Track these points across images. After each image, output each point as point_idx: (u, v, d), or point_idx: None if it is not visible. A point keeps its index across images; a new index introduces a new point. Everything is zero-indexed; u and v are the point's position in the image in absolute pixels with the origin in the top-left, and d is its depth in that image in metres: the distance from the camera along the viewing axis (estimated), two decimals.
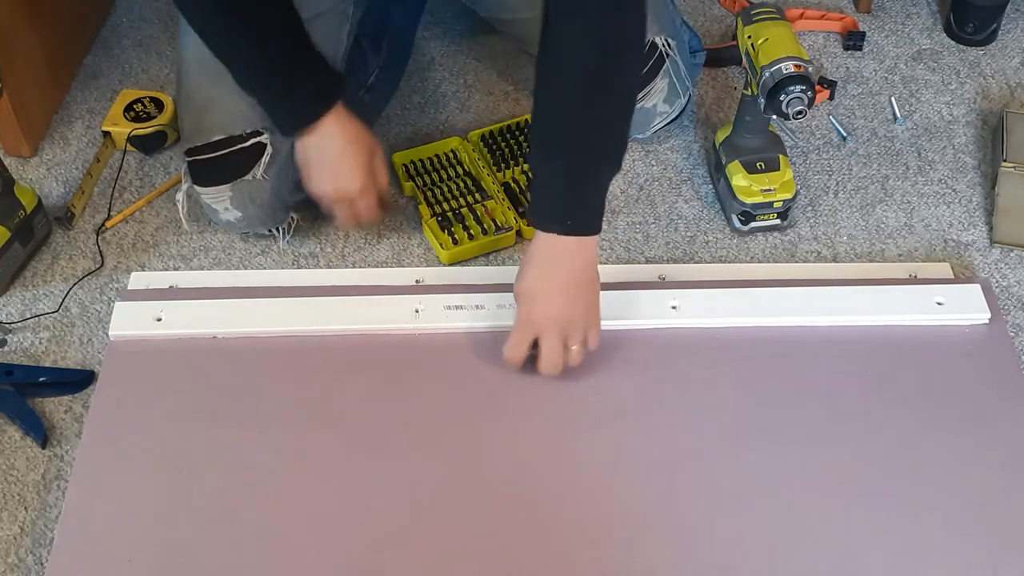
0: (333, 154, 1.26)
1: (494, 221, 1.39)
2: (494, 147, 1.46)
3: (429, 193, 1.41)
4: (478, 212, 1.40)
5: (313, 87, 1.23)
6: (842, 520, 1.10)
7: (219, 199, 1.30)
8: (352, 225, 1.33)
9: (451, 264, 1.36)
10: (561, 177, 1.14)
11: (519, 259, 1.19)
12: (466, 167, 1.45)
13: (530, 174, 1.39)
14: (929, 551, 1.08)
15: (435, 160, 1.46)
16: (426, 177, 1.43)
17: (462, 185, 1.42)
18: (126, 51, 1.66)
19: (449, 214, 1.38)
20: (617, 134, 1.15)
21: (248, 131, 1.27)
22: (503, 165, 1.44)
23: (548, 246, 1.15)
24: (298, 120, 1.24)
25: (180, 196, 1.35)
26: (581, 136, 1.13)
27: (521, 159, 1.44)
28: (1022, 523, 1.10)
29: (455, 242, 1.36)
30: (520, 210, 1.40)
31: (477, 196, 1.41)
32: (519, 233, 1.38)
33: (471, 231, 1.37)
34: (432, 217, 1.38)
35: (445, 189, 1.42)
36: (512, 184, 1.43)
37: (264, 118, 1.27)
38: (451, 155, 1.47)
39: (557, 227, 1.14)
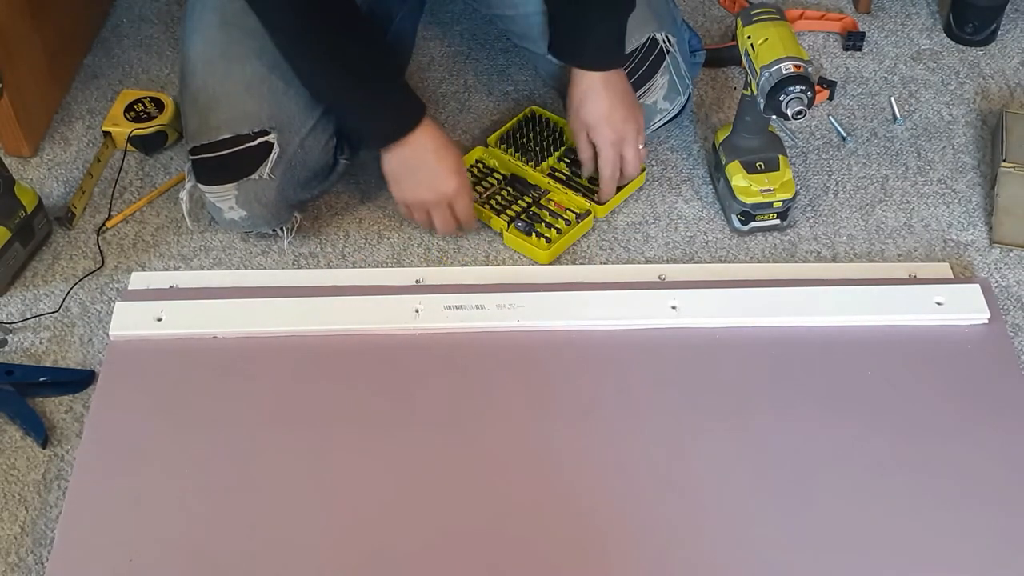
0: (430, 160, 1.29)
1: (568, 209, 1.38)
2: (520, 144, 1.45)
3: (486, 207, 1.39)
4: (549, 206, 1.39)
5: (406, 99, 1.28)
6: (841, 520, 1.10)
7: (224, 198, 1.30)
8: (450, 229, 1.35)
9: (549, 263, 1.35)
10: (613, 23, 1.32)
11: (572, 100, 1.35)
12: (504, 171, 1.44)
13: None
14: (927, 551, 1.09)
15: (469, 174, 1.41)
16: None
17: (512, 189, 1.41)
18: (126, 51, 1.67)
19: (523, 216, 1.38)
20: None
21: (255, 130, 1.27)
22: (538, 158, 1.43)
23: (606, 80, 1.33)
24: (395, 132, 1.27)
25: (183, 195, 1.35)
26: None
27: (551, 147, 1.44)
28: (1022, 524, 1.11)
29: (548, 240, 1.35)
30: (582, 192, 1.40)
31: (534, 194, 1.41)
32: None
33: (556, 225, 1.37)
34: (511, 225, 1.36)
35: (499, 198, 1.41)
36: (557, 172, 1.43)
37: (272, 117, 1.27)
38: (481, 166, 1.45)
39: (613, 64, 1.33)
